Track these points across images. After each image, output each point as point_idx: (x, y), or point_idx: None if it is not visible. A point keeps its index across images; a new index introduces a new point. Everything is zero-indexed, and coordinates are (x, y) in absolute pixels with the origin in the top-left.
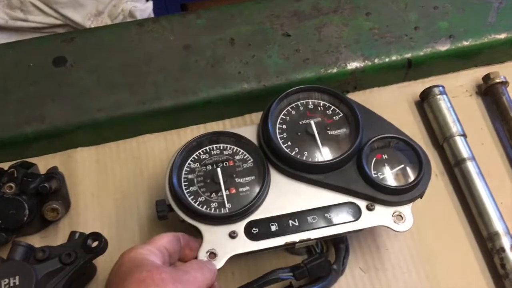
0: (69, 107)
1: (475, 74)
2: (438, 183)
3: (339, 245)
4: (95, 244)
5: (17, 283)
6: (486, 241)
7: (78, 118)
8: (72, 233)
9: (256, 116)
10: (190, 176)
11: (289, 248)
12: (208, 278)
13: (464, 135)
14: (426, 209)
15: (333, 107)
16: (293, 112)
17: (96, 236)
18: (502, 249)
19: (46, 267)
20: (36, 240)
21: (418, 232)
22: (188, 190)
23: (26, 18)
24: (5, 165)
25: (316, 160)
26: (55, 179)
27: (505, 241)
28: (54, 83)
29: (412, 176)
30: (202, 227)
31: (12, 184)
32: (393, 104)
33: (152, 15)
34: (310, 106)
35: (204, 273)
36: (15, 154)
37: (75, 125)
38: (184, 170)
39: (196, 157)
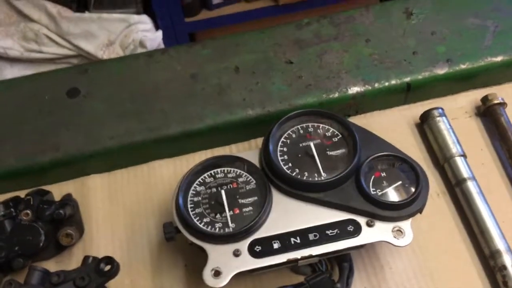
0: (83, 136)
1: (474, 96)
2: (440, 203)
3: (342, 264)
4: (107, 267)
5: None
6: (488, 259)
7: (91, 146)
8: (86, 258)
9: (262, 141)
10: (195, 199)
11: (294, 267)
12: None
13: (464, 156)
14: (428, 228)
15: (332, 129)
16: (294, 135)
17: (108, 260)
18: (504, 267)
19: None
20: (51, 265)
21: (421, 251)
22: (194, 212)
23: (40, 49)
24: (22, 193)
25: (316, 179)
26: (69, 205)
27: (507, 259)
28: (69, 113)
29: (410, 192)
30: (207, 246)
31: (28, 211)
32: (394, 126)
33: (162, 44)
34: (310, 129)
35: None
36: (31, 182)
37: (88, 153)
38: (190, 193)
39: (202, 181)
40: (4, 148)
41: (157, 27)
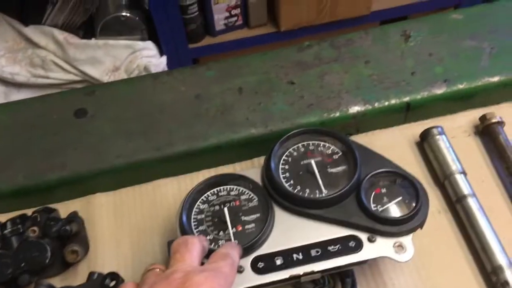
0: (90, 155)
1: (473, 115)
2: (441, 220)
3: (345, 279)
4: (112, 283)
5: None
6: (490, 275)
7: (97, 165)
8: (91, 274)
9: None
10: (199, 217)
11: (296, 283)
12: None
13: (464, 173)
14: (430, 245)
15: (332, 146)
16: (295, 153)
17: (113, 275)
18: (506, 283)
19: None
20: (57, 282)
21: (424, 267)
22: (198, 229)
23: (47, 75)
24: (29, 211)
25: (317, 196)
26: (75, 222)
27: (508, 275)
28: (76, 133)
29: (410, 208)
30: None
31: (35, 228)
32: (394, 145)
33: (166, 69)
34: (311, 147)
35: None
36: (38, 200)
37: (95, 171)
38: (193, 211)
39: (205, 199)
40: (12, 167)
41: (161, 53)
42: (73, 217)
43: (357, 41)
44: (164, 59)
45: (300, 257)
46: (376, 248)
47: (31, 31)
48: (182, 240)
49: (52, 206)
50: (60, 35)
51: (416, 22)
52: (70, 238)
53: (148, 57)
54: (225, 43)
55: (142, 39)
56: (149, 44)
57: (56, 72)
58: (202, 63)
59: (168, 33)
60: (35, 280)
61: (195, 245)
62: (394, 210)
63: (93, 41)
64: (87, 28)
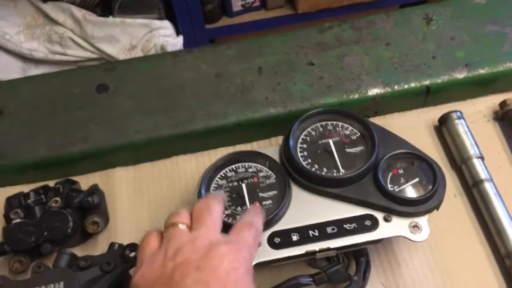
0: (110, 130)
1: (492, 101)
2: (457, 204)
3: (359, 258)
4: (132, 254)
5: None
6: (504, 259)
7: (118, 139)
8: (112, 244)
9: (282, 139)
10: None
11: (311, 261)
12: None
13: (481, 158)
14: (446, 228)
15: (350, 127)
16: (313, 132)
17: (133, 246)
18: None
19: (88, 274)
20: (77, 252)
21: (438, 249)
22: None
23: (64, 52)
24: (51, 183)
25: (334, 175)
26: (96, 194)
27: None
28: (97, 108)
29: (427, 189)
30: None
31: (58, 199)
32: (413, 128)
33: (182, 49)
34: (329, 127)
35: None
36: (60, 172)
37: (115, 145)
38: (212, 186)
39: (223, 175)
40: (35, 139)
41: (178, 33)
42: (95, 189)
43: (378, 23)
44: (180, 38)
45: (316, 234)
46: (391, 227)
47: (49, 8)
48: (203, 205)
49: (73, 178)
50: (78, 12)
51: (438, 6)
52: (91, 209)
53: (165, 36)
54: (242, 24)
55: (159, 18)
56: (166, 23)
57: (74, 49)
58: (223, 42)
59: (185, 13)
60: (57, 249)
61: (216, 208)
62: (411, 190)
63: (110, 19)
64: (104, 6)
